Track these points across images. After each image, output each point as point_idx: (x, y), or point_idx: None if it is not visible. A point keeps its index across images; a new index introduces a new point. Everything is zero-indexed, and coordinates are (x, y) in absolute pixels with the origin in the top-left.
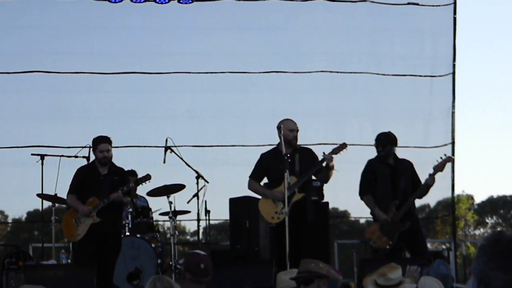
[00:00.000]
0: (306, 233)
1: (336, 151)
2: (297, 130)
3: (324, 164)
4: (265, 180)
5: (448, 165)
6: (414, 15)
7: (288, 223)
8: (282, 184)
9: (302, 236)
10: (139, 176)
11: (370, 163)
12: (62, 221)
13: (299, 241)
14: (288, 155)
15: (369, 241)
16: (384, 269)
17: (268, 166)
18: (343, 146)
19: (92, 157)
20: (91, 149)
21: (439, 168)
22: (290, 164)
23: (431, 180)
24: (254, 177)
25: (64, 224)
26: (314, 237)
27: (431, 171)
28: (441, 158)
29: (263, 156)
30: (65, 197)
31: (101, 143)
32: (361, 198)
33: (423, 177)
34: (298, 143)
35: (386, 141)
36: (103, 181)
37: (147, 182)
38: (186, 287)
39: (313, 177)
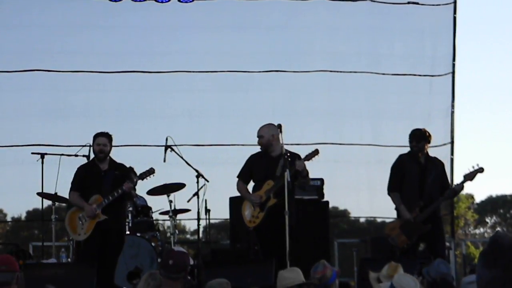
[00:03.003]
0: (284, 236)
1: (308, 157)
2: (259, 136)
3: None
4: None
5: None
6: (414, 14)
7: (265, 227)
8: (263, 187)
9: (280, 240)
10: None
11: (400, 158)
12: (66, 220)
13: (278, 244)
14: (287, 154)
15: (388, 237)
16: (390, 270)
17: (252, 168)
18: (315, 152)
19: (92, 155)
20: (91, 146)
21: (469, 177)
22: (271, 168)
23: (459, 187)
24: (241, 177)
25: (69, 223)
26: (313, 236)
27: (461, 178)
28: (473, 167)
29: (250, 157)
30: (65, 195)
31: (99, 136)
32: (388, 194)
33: None
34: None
35: (421, 137)
36: (104, 177)
37: (151, 176)
38: (163, 283)
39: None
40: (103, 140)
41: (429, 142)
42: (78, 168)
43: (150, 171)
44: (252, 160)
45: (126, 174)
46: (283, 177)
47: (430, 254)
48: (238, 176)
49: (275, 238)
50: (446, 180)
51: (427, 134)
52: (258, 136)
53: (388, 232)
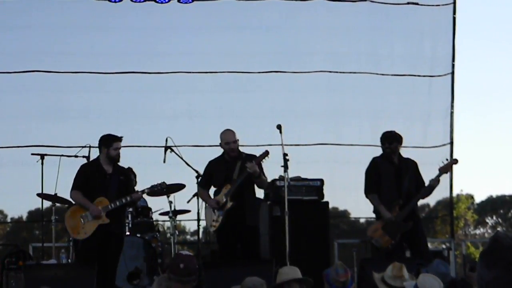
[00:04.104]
0: (244, 237)
1: (258, 159)
2: (234, 141)
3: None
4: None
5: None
6: (413, 15)
7: (225, 229)
8: (222, 191)
9: (240, 240)
10: (154, 182)
11: (374, 161)
12: (66, 218)
13: (239, 245)
14: (286, 155)
15: (371, 240)
16: (396, 270)
17: (211, 173)
18: (265, 154)
19: (92, 157)
20: (100, 146)
21: (444, 170)
22: (230, 172)
23: (435, 181)
24: (201, 184)
25: (69, 221)
26: (313, 236)
27: (436, 172)
28: (446, 160)
29: (209, 163)
30: (65, 196)
31: (117, 141)
32: (366, 196)
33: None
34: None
35: (392, 138)
36: (109, 180)
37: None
38: (172, 287)
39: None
40: (120, 145)
41: (401, 143)
42: (82, 167)
43: (162, 185)
44: (211, 166)
45: (130, 179)
46: (238, 179)
47: (412, 254)
48: (198, 183)
49: (236, 239)
50: (421, 179)
51: (398, 135)
52: (232, 142)
53: (370, 234)
